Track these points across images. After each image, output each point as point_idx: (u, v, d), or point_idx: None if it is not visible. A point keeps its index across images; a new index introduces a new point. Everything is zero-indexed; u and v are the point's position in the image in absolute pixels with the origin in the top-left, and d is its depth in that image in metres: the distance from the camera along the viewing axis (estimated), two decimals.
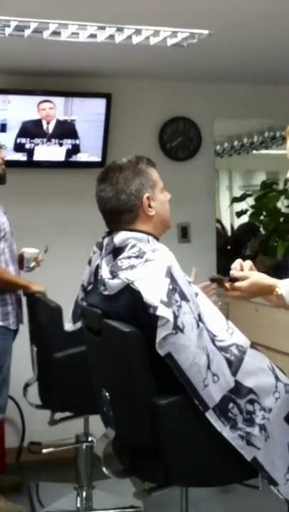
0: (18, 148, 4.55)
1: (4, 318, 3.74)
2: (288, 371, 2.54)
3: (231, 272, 2.52)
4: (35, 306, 3.81)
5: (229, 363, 2.32)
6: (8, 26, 3.48)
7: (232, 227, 6.12)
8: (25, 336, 3.87)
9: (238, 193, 6.20)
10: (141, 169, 2.52)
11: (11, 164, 4.00)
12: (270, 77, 4.84)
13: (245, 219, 5.45)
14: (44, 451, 3.98)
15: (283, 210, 5.01)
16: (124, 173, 2.50)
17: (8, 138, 4.41)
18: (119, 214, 2.49)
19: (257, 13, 3.40)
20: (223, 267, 5.19)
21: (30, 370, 3.78)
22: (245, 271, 2.51)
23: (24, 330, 3.90)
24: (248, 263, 2.55)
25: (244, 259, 2.81)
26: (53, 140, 4.62)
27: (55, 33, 3.60)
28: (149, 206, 2.50)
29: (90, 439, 3.90)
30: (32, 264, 3.93)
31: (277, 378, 2.36)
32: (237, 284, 2.46)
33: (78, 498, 3.92)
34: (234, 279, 2.51)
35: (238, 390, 2.29)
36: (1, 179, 3.83)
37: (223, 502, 3.82)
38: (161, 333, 2.22)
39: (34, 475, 4.32)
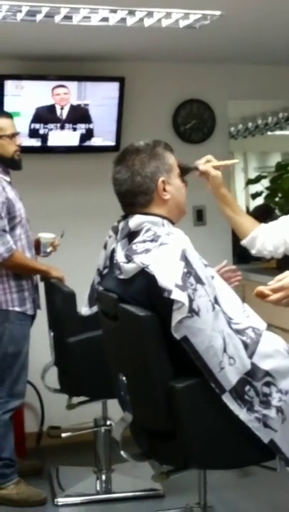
0: (32, 133, 4.55)
1: (21, 303, 3.76)
2: None
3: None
4: (51, 292, 3.83)
5: (245, 345, 2.31)
6: (20, 11, 3.47)
7: (247, 209, 6.09)
8: (43, 322, 3.90)
9: (253, 175, 6.17)
10: (157, 153, 2.52)
11: (25, 150, 4.00)
12: (283, 58, 4.80)
13: (260, 201, 5.43)
14: (63, 435, 4.02)
15: None
16: (141, 155, 2.50)
17: (22, 124, 4.40)
18: (134, 196, 2.50)
19: None
20: (239, 250, 5.18)
21: (48, 355, 3.81)
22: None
23: (42, 315, 3.92)
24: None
25: None
26: (67, 125, 4.62)
27: (67, 17, 3.59)
28: (164, 190, 2.50)
29: (108, 422, 3.93)
30: (49, 249, 3.96)
31: None
32: (278, 283, 2.29)
33: (97, 482, 3.96)
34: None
35: (255, 372, 2.29)
36: (17, 165, 3.85)
37: (240, 485, 3.83)
38: (176, 317, 2.23)
39: (54, 459, 4.35)
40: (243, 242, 2.98)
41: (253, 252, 3.00)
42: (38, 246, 3.97)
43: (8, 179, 3.82)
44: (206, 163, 2.87)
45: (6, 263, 3.67)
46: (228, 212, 2.97)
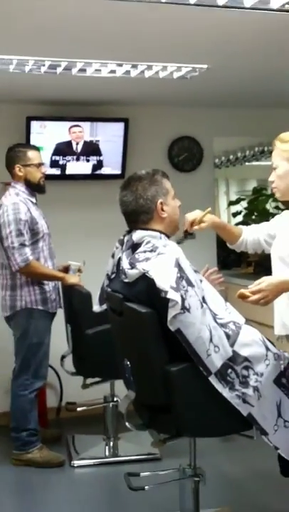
0: (53, 164, 4.56)
1: (44, 303, 3.76)
2: (276, 341, 2.55)
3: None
4: (70, 293, 3.83)
5: (228, 336, 2.32)
6: (43, 65, 3.48)
7: None
8: (61, 318, 3.89)
9: (233, 198, 6.18)
10: (156, 179, 2.54)
11: (47, 178, 4.00)
12: (260, 102, 4.79)
13: (240, 218, 5.44)
14: (78, 409, 4.02)
15: (271, 210, 4.99)
16: (143, 182, 2.52)
17: (45, 156, 4.40)
18: (138, 215, 2.52)
19: (247, 52, 3.39)
20: (223, 258, 5.18)
21: (65, 344, 3.81)
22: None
23: (59, 313, 3.91)
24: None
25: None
26: (82, 157, 4.62)
27: (82, 69, 3.59)
28: (162, 210, 2.52)
29: (115, 399, 3.92)
30: (77, 274, 3.93)
31: (267, 348, 2.36)
32: (256, 287, 2.30)
33: (106, 447, 3.95)
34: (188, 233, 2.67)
35: (235, 358, 2.30)
36: (42, 189, 3.86)
37: (224, 450, 3.83)
38: (171, 313, 2.23)
39: (70, 429, 4.33)
40: (231, 247, 2.99)
41: (239, 251, 3.02)
42: (66, 270, 3.91)
43: (34, 200, 3.83)
44: (193, 224, 2.77)
45: (23, 271, 3.64)
46: (222, 234, 2.95)
